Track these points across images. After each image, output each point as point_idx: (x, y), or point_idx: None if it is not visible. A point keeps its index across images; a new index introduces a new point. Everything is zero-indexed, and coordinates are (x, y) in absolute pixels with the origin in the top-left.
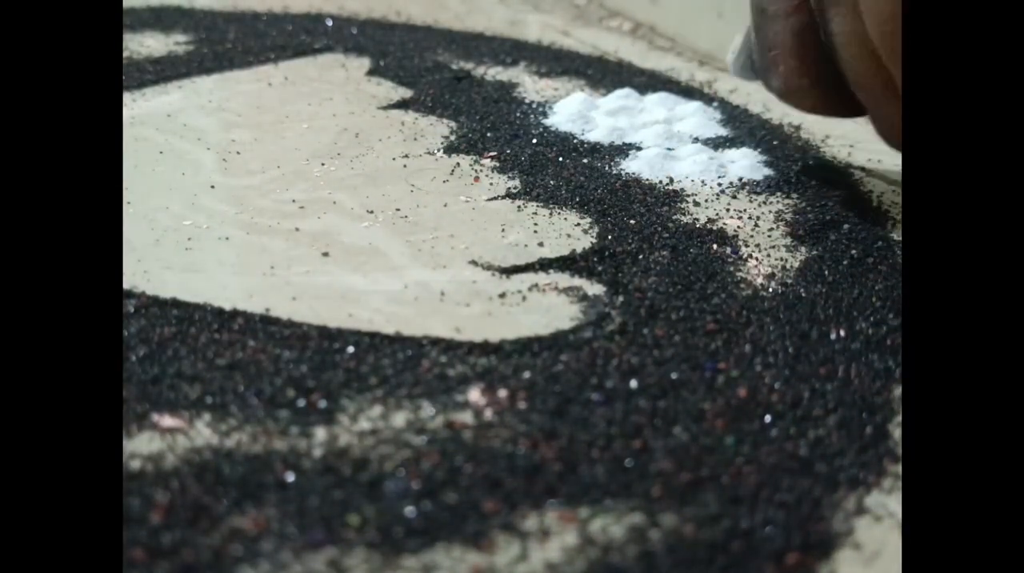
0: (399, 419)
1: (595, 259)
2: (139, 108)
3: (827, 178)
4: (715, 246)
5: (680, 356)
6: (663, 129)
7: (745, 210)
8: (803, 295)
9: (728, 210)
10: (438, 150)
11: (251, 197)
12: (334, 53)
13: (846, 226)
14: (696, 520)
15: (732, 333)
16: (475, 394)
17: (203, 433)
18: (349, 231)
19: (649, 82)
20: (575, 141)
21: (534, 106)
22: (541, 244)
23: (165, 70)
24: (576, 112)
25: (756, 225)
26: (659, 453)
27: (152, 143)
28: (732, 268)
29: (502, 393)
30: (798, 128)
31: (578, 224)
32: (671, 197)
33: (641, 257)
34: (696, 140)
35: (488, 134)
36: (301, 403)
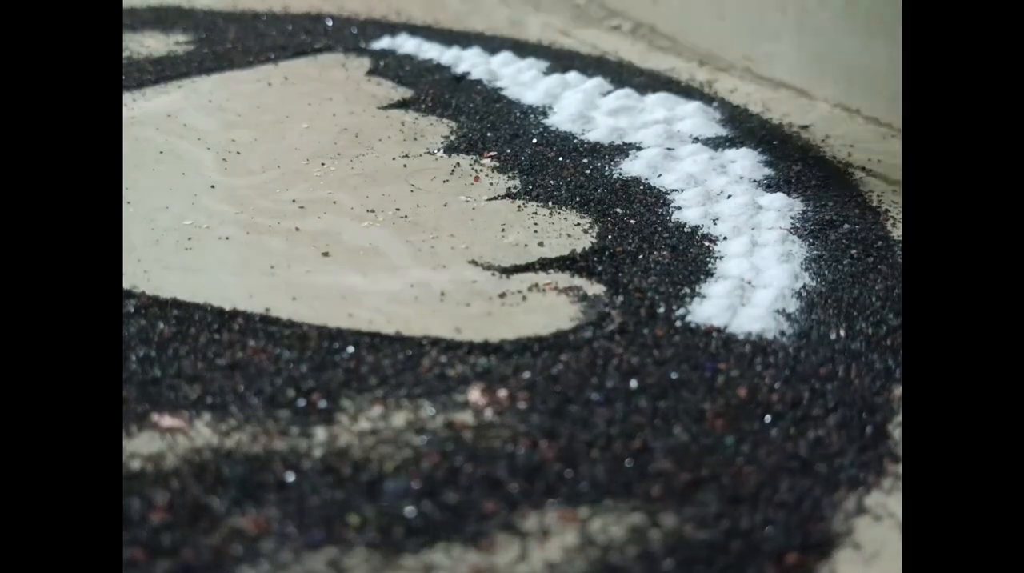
0: (399, 419)
1: (595, 259)
2: (139, 108)
3: (827, 178)
4: (715, 246)
5: (680, 356)
6: (663, 129)
7: (745, 210)
8: (803, 295)
9: (728, 210)
10: (438, 150)
11: (251, 197)
12: (334, 53)
13: (846, 226)
14: (696, 520)
15: (732, 333)
16: (475, 394)
17: (203, 433)
18: (349, 231)
19: (649, 82)
20: (575, 141)
21: (534, 106)
22: (541, 244)
23: (165, 70)
24: (576, 112)
25: (756, 225)
26: (659, 453)
27: (152, 143)
28: (732, 268)
29: (502, 393)
30: (798, 128)
31: (578, 224)
32: (671, 197)
33: (641, 257)
34: (696, 140)
35: (488, 134)
36: (301, 403)
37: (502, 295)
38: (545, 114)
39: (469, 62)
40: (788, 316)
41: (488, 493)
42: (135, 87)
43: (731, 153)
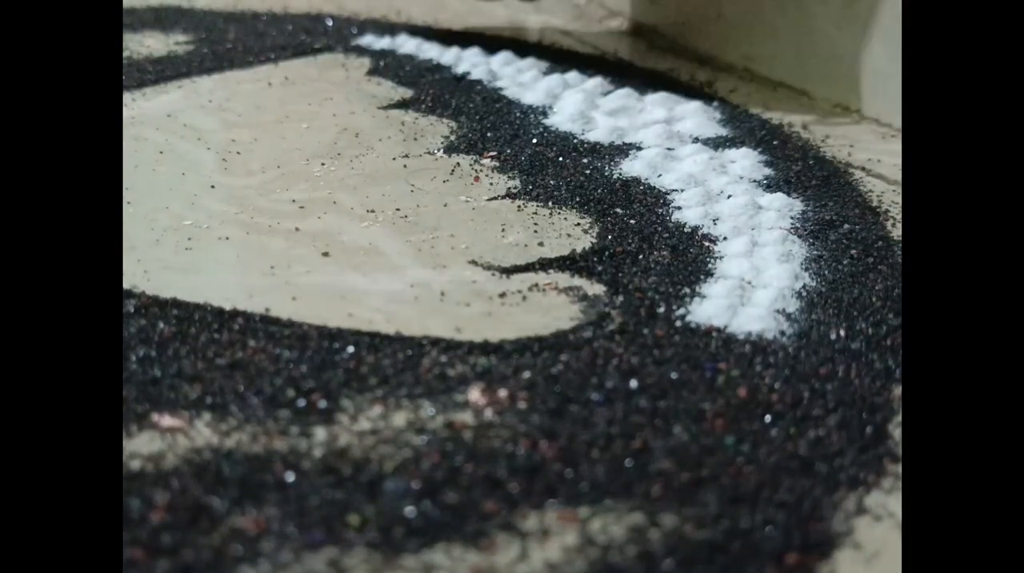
0: (399, 419)
1: (595, 259)
2: (139, 108)
3: (827, 178)
4: (715, 246)
5: (680, 356)
6: (663, 129)
7: (745, 210)
8: (803, 294)
9: (728, 210)
10: (438, 150)
11: (251, 197)
12: (334, 53)
13: (846, 226)
14: (696, 520)
15: (732, 333)
16: (475, 394)
17: (203, 433)
18: (349, 231)
19: (649, 82)
20: (575, 141)
21: (534, 106)
22: (541, 244)
23: (165, 70)
24: (576, 112)
25: (756, 225)
26: (659, 453)
27: (152, 143)
28: (733, 268)
29: (502, 393)
30: (798, 128)
31: (578, 224)
32: (671, 197)
33: (641, 257)
34: (696, 140)
35: (488, 134)
36: (301, 403)
37: (502, 295)
38: (545, 114)
39: (469, 62)
40: (788, 316)
41: (488, 493)
42: (135, 87)
43: (731, 153)
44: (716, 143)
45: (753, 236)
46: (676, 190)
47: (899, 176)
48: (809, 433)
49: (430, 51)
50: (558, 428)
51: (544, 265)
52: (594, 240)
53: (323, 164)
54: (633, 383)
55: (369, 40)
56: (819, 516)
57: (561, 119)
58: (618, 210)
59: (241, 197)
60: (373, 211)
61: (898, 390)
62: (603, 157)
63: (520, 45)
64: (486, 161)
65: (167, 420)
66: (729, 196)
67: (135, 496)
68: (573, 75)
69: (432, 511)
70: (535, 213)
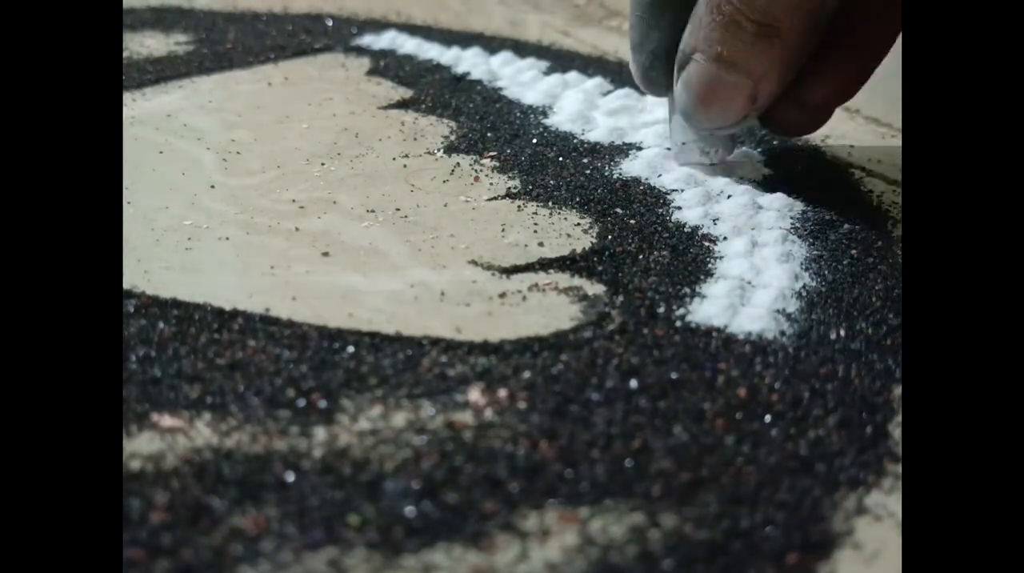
0: (399, 419)
1: (595, 259)
2: (139, 108)
3: (827, 178)
4: (715, 246)
5: (680, 356)
6: (663, 129)
7: (745, 210)
8: (803, 294)
9: (728, 210)
10: (438, 150)
11: (251, 197)
12: (334, 53)
13: (846, 226)
14: (696, 520)
15: (732, 333)
16: (475, 394)
17: (203, 433)
18: (349, 231)
19: None
20: (575, 141)
21: (534, 106)
22: (541, 244)
23: (165, 70)
24: (576, 112)
25: (756, 225)
26: (659, 453)
27: (152, 143)
28: (733, 268)
29: (502, 393)
30: None
31: (578, 224)
32: (671, 197)
33: (641, 257)
34: None
35: (488, 134)
36: (301, 403)
37: (502, 295)
38: (545, 114)
39: (469, 62)
40: (788, 316)
41: (488, 493)
42: (135, 87)
43: None
44: None
45: (753, 236)
46: (676, 190)
47: (899, 176)
48: (809, 433)
49: (430, 51)
50: (558, 428)
51: (544, 265)
52: (594, 240)
53: (323, 164)
54: (633, 383)
55: (369, 40)
56: (819, 516)
57: (561, 119)
58: (618, 210)
59: (241, 197)
60: (373, 211)
61: (898, 390)
62: (603, 157)
63: (520, 45)
64: (486, 161)
65: (167, 420)
66: (729, 196)
67: (135, 496)
68: (573, 75)
69: (432, 511)
70: (535, 213)
